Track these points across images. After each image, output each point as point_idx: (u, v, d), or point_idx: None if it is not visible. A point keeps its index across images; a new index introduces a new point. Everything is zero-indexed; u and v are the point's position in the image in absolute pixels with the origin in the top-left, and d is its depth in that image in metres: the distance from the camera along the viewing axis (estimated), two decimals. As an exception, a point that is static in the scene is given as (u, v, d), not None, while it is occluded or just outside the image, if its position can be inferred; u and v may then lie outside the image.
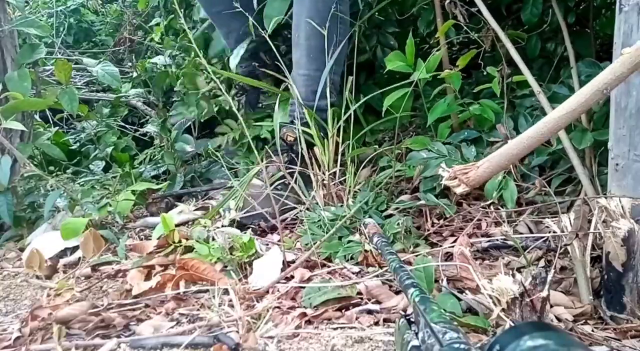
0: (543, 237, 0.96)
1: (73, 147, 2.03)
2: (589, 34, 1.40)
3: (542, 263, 0.97)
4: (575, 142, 1.09)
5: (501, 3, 1.51)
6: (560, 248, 0.86)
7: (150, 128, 2.02)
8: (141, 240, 1.31)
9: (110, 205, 1.35)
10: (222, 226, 1.03)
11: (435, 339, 0.49)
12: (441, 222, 1.15)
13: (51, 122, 2.08)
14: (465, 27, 1.23)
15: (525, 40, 1.34)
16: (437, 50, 1.29)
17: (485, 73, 1.26)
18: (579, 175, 1.02)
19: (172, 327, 0.84)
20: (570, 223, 0.85)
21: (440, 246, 1.05)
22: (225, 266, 1.04)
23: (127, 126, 2.14)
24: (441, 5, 1.35)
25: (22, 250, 1.28)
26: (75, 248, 1.22)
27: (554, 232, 0.89)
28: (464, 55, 1.24)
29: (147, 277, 1.02)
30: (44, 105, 1.55)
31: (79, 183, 1.62)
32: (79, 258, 1.19)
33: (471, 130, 1.30)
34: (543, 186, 1.13)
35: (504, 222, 1.04)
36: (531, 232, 1.04)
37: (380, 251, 0.90)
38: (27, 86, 1.47)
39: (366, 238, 1.01)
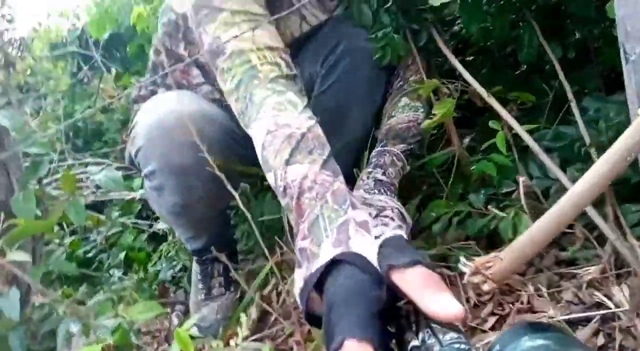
0: (594, 311, 0.84)
1: (90, 255, 2.01)
2: (592, 67, 1.32)
3: (600, 338, 0.85)
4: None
5: (496, 48, 1.46)
6: (620, 328, 0.75)
7: (163, 224, 1.98)
8: (161, 357, 1.23)
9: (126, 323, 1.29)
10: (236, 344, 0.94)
11: (435, 339, 0.49)
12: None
13: (66, 230, 2.07)
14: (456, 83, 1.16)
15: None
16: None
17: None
18: (604, 233, 0.88)
19: None
20: (624, 296, 0.74)
21: (483, 331, 0.93)
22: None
23: (139, 222, 2.12)
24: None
25: (39, 386, 1.21)
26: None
27: (607, 306, 0.78)
28: (440, 104, 1.12)
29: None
30: (50, 226, 1.52)
31: (94, 300, 1.56)
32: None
33: (488, 187, 1.21)
34: (586, 237, 1.01)
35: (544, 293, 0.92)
36: (580, 300, 0.92)
37: None
38: (31, 207, 1.45)
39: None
